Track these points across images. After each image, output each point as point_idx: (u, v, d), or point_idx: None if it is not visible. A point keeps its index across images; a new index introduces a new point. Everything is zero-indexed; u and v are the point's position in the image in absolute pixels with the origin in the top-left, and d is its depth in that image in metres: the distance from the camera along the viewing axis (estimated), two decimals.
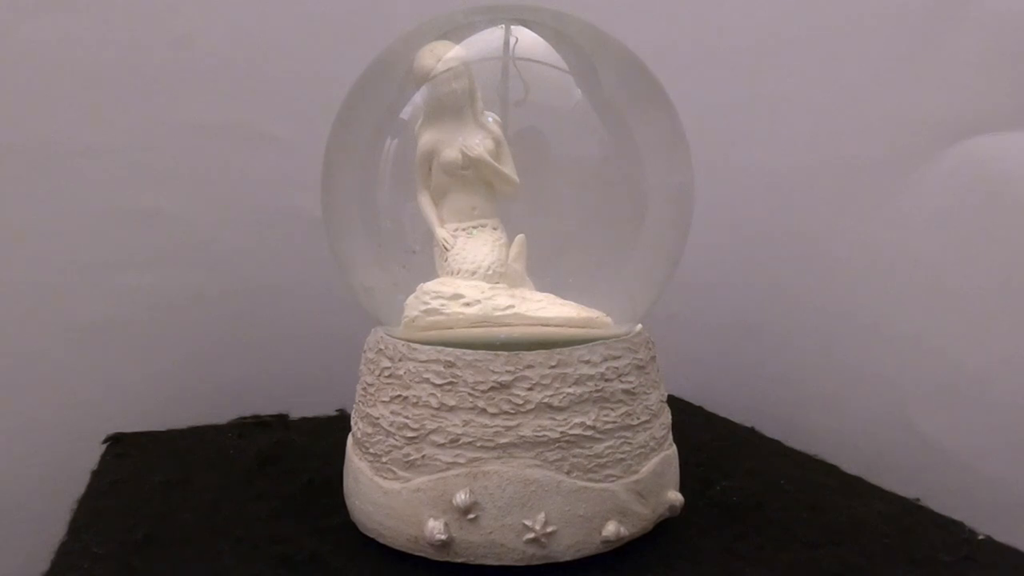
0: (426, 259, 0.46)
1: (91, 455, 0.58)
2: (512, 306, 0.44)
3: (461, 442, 0.42)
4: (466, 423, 0.42)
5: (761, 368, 0.73)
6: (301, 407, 0.66)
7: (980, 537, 0.46)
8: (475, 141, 0.45)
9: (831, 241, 0.67)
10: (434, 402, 0.42)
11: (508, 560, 0.42)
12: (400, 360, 0.43)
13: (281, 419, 0.65)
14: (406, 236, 0.48)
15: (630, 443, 0.43)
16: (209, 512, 0.49)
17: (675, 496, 0.46)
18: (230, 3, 0.70)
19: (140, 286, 0.70)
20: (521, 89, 0.45)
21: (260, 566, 0.42)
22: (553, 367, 0.42)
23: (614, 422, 0.43)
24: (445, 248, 0.45)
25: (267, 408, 0.66)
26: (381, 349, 0.45)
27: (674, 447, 0.47)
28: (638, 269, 0.48)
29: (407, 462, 0.43)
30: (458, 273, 0.45)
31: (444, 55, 0.45)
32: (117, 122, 0.68)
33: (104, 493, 0.52)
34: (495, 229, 0.46)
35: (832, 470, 0.56)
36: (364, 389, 0.46)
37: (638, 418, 0.44)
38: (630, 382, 0.44)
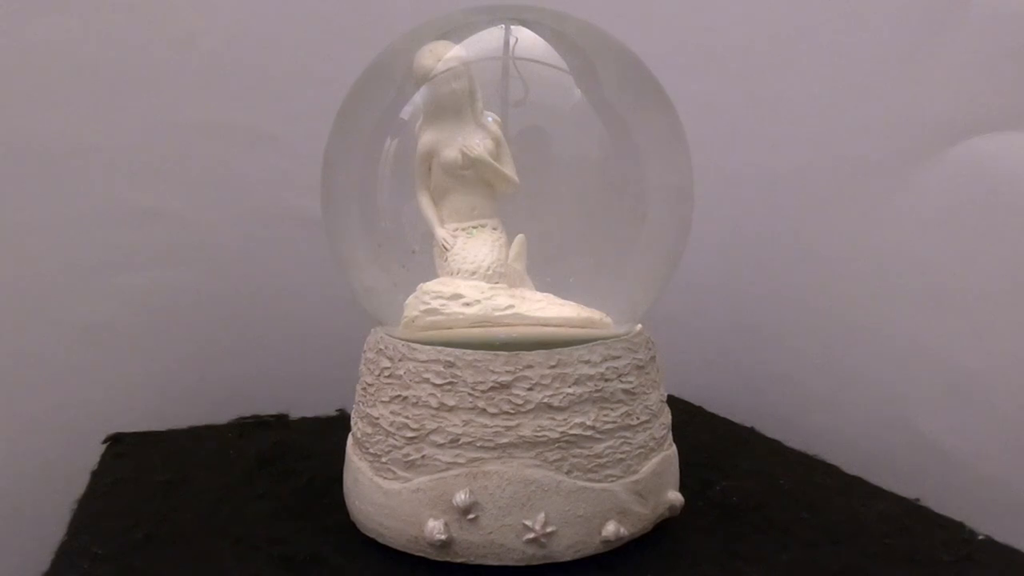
0: (426, 259, 0.46)
1: (91, 455, 0.58)
2: (512, 306, 0.44)
3: (461, 442, 0.42)
4: (466, 423, 0.42)
5: (761, 368, 0.73)
6: (301, 407, 0.66)
7: (980, 537, 0.46)
8: (475, 141, 0.45)
9: (831, 241, 0.67)
10: (434, 402, 0.42)
11: (508, 560, 0.42)
12: (400, 360, 0.43)
13: (281, 419, 0.65)
14: (406, 236, 0.48)
15: (630, 443, 0.44)
16: (209, 512, 0.49)
17: (675, 496, 0.46)
18: (230, 3, 0.70)
19: (140, 286, 0.70)
20: (521, 89, 0.45)
21: (260, 566, 0.42)
22: (553, 367, 0.42)
23: (614, 422, 0.43)
24: (445, 248, 0.45)
25: (267, 408, 0.66)
26: (381, 349, 0.45)
27: (674, 447, 0.47)
28: (638, 269, 0.48)
29: (407, 462, 0.43)
30: (458, 273, 0.45)
31: (444, 55, 0.45)
32: (117, 122, 0.68)
33: (104, 493, 0.52)
34: (495, 229, 0.46)
35: (832, 470, 0.56)
36: (364, 389, 0.46)
37: (638, 418, 0.44)
38: (630, 382, 0.44)
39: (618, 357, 0.44)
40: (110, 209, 0.68)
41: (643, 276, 0.48)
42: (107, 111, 0.67)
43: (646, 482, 0.44)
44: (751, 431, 0.63)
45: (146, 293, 0.70)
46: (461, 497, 0.41)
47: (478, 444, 0.41)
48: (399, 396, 0.43)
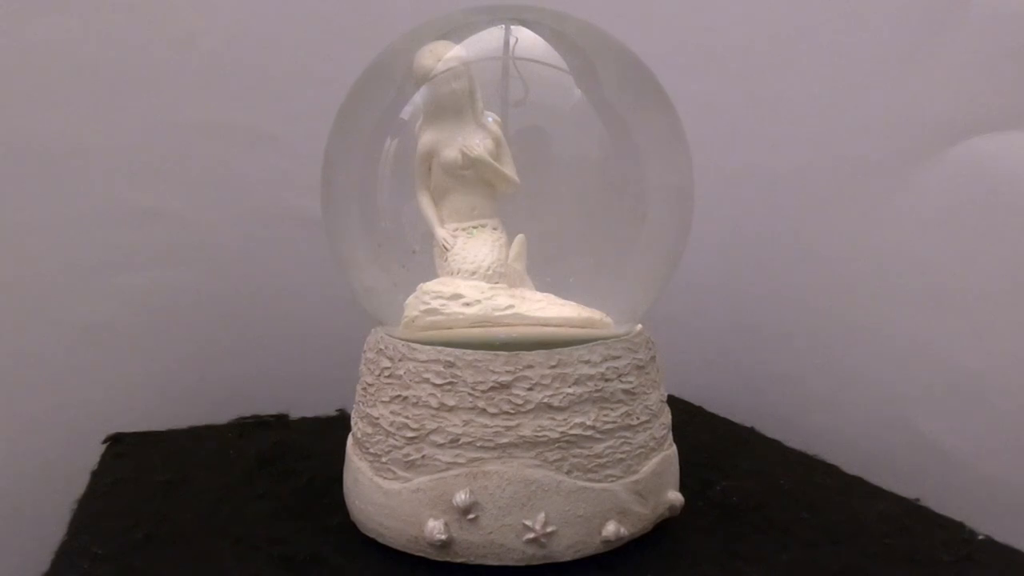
0: (426, 259, 0.46)
1: (91, 455, 0.58)
2: (512, 306, 0.44)
3: (461, 442, 0.42)
4: (466, 423, 0.42)
5: (761, 368, 0.73)
6: (301, 407, 0.66)
7: (980, 537, 0.46)
8: (475, 141, 0.45)
9: (831, 241, 0.67)
10: (434, 402, 0.42)
11: (508, 560, 0.42)
12: (400, 360, 0.43)
13: (281, 419, 0.65)
14: (406, 236, 0.48)
15: (630, 443, 0.44)
16: (209, 512, 0.49)
17: (675, 496, 0.46)
18: (230, 3, 0.70)
19: (140, 286, 0.70)
20: (521, 89, 0.45)
21: (260, 566, 0.42)
22: (553, 367, 0.42)
23: (614, 422, 0.43)
24: (445, 248, 0.45)
25: (267, 408, 0.66)
26: (381, 349, 0.45)
27: (674, 447, 0.47)
28: (638, 269, 0.48)
29: (407, 462, 0.43)
30: (458, 273, 0.45)
31: (444, 55, 0.45)
32: (117, 122, 0.68)
33: (104, 493, 0.52)
34: (495, 229, 0.46)
35: (832, 470, 0.56)
36: (364, 389, 0.46)
37: (638, 418, 0.44)
38: (630, 382, 0.44)
39: (618, 357, 0.44)
40: (110, 209, 0.68)
41: (643, 276, 0.48)
42: (107, 111, 0.67)
43: (646, 482, 0.44)
44: (751, 431, 0.63)
45: (146, 293, 0.70)
46: (461, 497, 0.41)
47: (478, 444, 0.41)
48: (399, 396, 0.43)
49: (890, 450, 0.63)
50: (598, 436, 0.42)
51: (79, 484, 0.53)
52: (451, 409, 0.42)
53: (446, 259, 0.45)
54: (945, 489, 0.53)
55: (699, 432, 0.62)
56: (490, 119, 0.45)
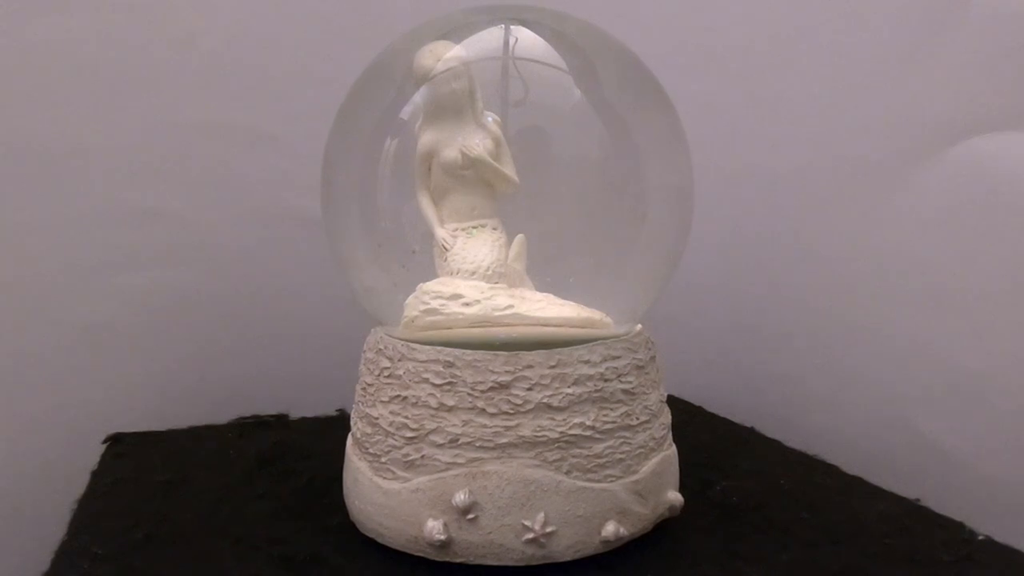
0: (426, 259, 0.46)
1: (91, 455, 0.58)
2: (511, 306, 0.44)
3: (460, 442, 0.42)
4: (465, 423, 0.42)
5: (761, 368, 0.73)
6: (301, 407, 0.66)
7: (980, 537, 0.46)
8: (475, 141, 0.45)
9: (831, 241, 0.67)
10: (433, 402, 0.42)
11: (508, 560, 0.42)
12: (400, 360, 0.43)
13: (281, 419, 0.65)
14: (406, 236, 0.48)
15: (630, 443, 0.44)
16: (209, 512, 0.49)
17: (675, 496, 0.46)
18: (230, 3, 0.70)
19: (140, 286, 0.70)
20: (521, 89, 0.45)
21: (260, 566, 0.42)
22: (552, 367, 0.42)
23: (613, 422, 0.43)
24: (445, 248, 0.45)
25: (267, 408, 0.66)
26: (381, 349, 0.45)
27: (674, 447, 0.47)
28: (638, 269, 0.48)
29: (406, 462, 0.43)
30: (458, 273, 0.45)
31: (444, 55, 0.45)
32: (117, 122, 0.68)
33: (104, 493, 0.52)
34: (495, 229, 0.46)
35: (832, 470, 0.56)
36: (364, 389, 0.46)
37: (638, 418, 0.44)
38: (630, 382, 0.44)
39: (618, 357, 0.44)
40: (110, 209, 0.68)
41: (643, 276, 0.48)
42: (107, 111, 0.67)
43: (646, 482, 0.44)
44: (751, 431, 0.63)
45: (146, 293, 0.70)
46: (460, 497, 0.41)
47: (477, 444, 0.41)
48: (399, 396, 0.43)
49: (890, 450, 0.62)
50: (598, 436, 0.42)
51: (79, 484, 0.53)
52: (450, 409, 0.42)
53: (446, 259, 0.45)
54: (945, 489, 0.53)
55: (699, 432, 0.62)
56: (490, 119, 0.45)
